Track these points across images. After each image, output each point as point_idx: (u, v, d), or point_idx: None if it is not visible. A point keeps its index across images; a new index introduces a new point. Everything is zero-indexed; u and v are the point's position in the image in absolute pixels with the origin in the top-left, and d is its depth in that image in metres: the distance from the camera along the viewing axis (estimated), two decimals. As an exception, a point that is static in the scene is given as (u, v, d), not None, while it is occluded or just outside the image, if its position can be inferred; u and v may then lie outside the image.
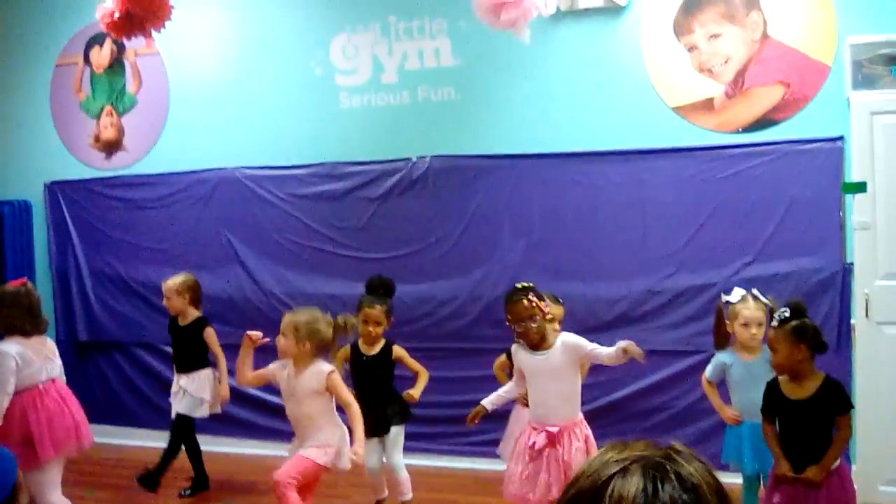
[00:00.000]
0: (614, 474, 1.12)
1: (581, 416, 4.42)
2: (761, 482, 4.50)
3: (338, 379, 4.39)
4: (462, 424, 5.98)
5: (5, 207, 7.30)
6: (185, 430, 5.76)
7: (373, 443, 4.98)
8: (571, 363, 4.35)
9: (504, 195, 6.01)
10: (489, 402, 4.64)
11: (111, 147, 7.16)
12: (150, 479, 5.64)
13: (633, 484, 1.10)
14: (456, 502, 5.59)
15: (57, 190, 7.30)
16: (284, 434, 5.00)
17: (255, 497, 5.79)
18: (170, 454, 5.72)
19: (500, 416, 5.89)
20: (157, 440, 6.76)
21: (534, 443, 4.29)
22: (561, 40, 5.89)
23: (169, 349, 6.31)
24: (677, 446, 1.19)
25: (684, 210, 5.60)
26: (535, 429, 4.36)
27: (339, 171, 6.39)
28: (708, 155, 5.55)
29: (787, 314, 3.89)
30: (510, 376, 4.90)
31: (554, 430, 4.29)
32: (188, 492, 5.80)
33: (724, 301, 4.58)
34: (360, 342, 5.09)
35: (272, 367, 4.58)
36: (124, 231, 7.06)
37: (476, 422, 4.64)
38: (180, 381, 5.73)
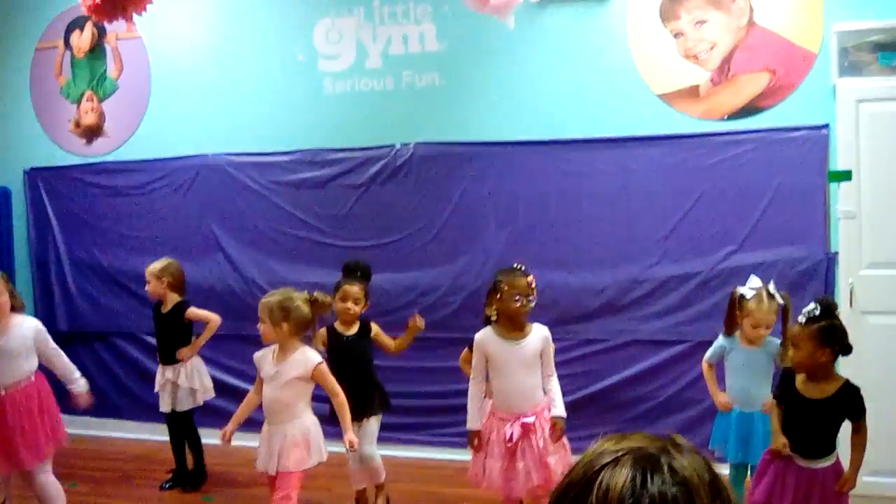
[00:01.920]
0: (605, 465, 1.13)
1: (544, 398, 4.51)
2: (749, 473, 4.57)
3: (325, 370, 4.41)
4: (445, 415, 6.12)
5: (-16, 194, 7.37)
6: (185, 423, 5.87)
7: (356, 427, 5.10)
8: (539, 355, 4.47)
9: (488, 183, 6.09)
10: (475, 420, 4.55)
11: (92, 133, 7.24)
12: (190, 478, 5.89)
13: (623, 475, 1.10)
14: (439, 493, 5.66)
15: (37, 176, 7.37)
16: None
17: (236, 489, 5.87)
18: (195, 449, 5.93)
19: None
20: (138, 432, 6.91)
21: (511, 435, 4.37)
22: (546, 26, 5.97)
23: (151, 339, 6.41)
24: (677, 439, 1.19)
25: (669, 198, 5.70)
26: (503, 419, 4.44)
27: (321, 158, 6.47)
28: (693, 142, 5.65)
29: (818, 312, 3.81)
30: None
31: (531, 420, 4.38)
32: (168, 484, 5.91)
33: (738, 294, 4.56)
34: (337, 323, 5.16)
35: (256, 355, 4.59)
36: (105, 219, 7.13)
37: (482, 446, 4.54)
38: (166, 374, 5.79)
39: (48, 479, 4.78)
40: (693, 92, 5.67)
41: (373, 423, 5.12)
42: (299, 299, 4.41)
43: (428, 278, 6.23)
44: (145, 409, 6.85)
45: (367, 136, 6.37)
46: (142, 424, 6.89)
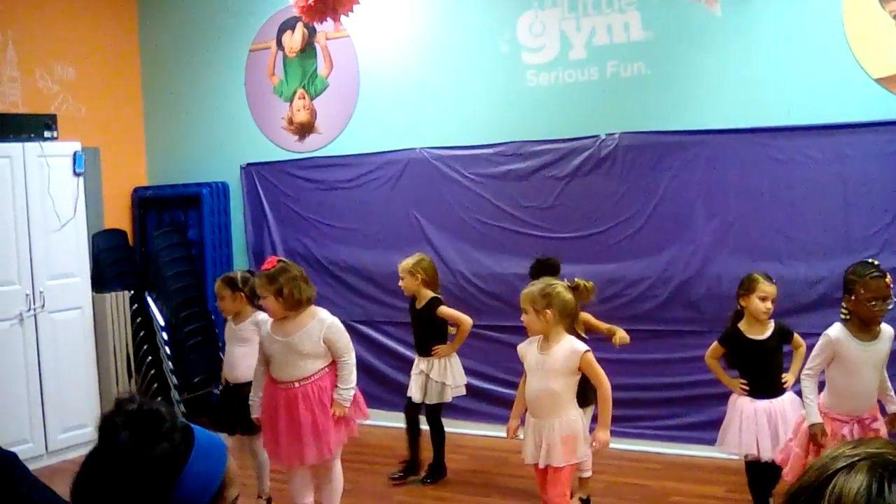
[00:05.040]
0: (839, 469, 1.10)
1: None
2: None
3: (592, 358, 4.37)
4: (650, 407, 6.19)
5: (204, 189, 8.00)
6: (433, 416, 6.07)
7: None
8: (887, 356, 4.43)
9: (696, 173, 6.14)
10: (817, 415, 4.44)
11: (304, 129, 7.69)
12: (431, 471, 6.08)
13: (857, 481, 1.08)
14: (645, 486, 5.78)
15: (252, 171, 7.93)
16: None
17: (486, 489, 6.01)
18: (437, 444, 6.10)
19: (690, 400, 6.06)
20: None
21: (851, 436, 4.36)
22: (755, 10, 5.96)
23: (362, 328, 6.77)
24: None
25: (888, 187, 5.60)
26: (837, 420, 4.42)
27: (525, 150, 6.67)
28: (914, 128, 5.50)
29: None
30: (726, 366, 5.02)
31: (877, 426, 4.39)
32: (398, 475, 6.12)
33: None
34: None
35: (520, 347, 4.65)
36: (317, 211, 7.59)
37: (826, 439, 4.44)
38: (420, 365, 6.01)
39: (336, 465, 5.04)
40: (915, 75, 5.53)
41: (588, 413, 5.23)
42: (560, 286, 4.44)
43: (634, 270, 6.33)
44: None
45: (572, 128, 6.52)
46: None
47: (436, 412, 6.05)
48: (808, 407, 4.51)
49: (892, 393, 4.48)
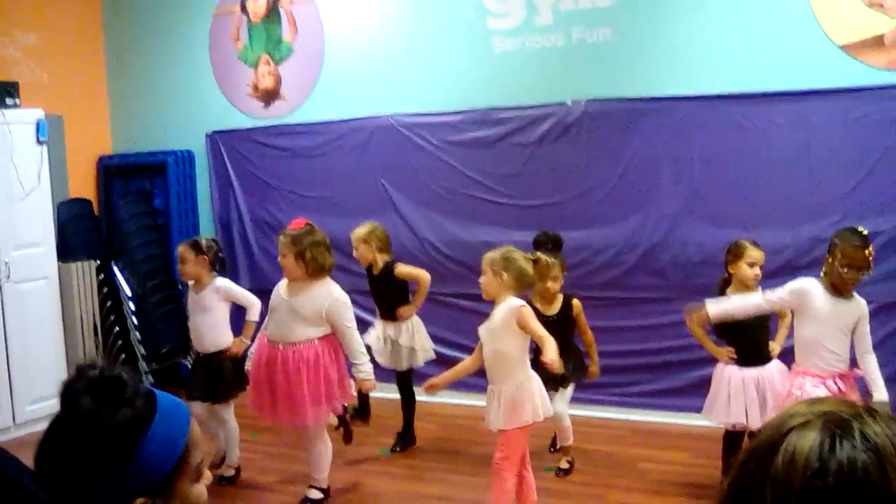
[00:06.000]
0: (793, 427, 1.12)
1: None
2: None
3: (529, 312, 4.41)
4: (618, 374, 6.24)
5: (169, 157, 7.96)
6: (404, 382, 6.11)
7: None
8: (855, 324, 4.51)
9: (662, 139, 6.18)
10: (715, 306, 4.70)
11: (269, 96, 7.66)
12: (399, 438, 6.16)
13: (810, 438, 1.10)
14: (612, 453, 5.86)
15: (218, 139, 7.89)
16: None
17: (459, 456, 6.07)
18: (408, 411, 6.17)
19: (657, 367, 6.13)
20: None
21: (838, 388, 4.44)
22: (721, -23, 5.95)
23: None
24: (875, 405, 1.18)
25: (852, 153, 5.67)
26: (817, 376, 4.49)
27: (492, 117, 6.68)
28: (877, 95, 5.59)
29: None
30: (711, 331, 5.05)
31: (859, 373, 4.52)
32: (397, 448, 6.15)
33: None
34: (538, 300, 5.27)
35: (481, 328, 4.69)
36: (283, 179, 7.59)
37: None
38: (387, 331, 5.97)
39: (322, 434, 5.15)
40: (878, 42, 5.59)
41: (569, 388, 5.41)
42: (520, 256, 4.52)
43: (600, 237, 6.39)
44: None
45: (538, 94, 6.54)
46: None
47: (407, 379, 6.09)
48: (719, 302, 4.69)
49: (880, 381, 4.49)
